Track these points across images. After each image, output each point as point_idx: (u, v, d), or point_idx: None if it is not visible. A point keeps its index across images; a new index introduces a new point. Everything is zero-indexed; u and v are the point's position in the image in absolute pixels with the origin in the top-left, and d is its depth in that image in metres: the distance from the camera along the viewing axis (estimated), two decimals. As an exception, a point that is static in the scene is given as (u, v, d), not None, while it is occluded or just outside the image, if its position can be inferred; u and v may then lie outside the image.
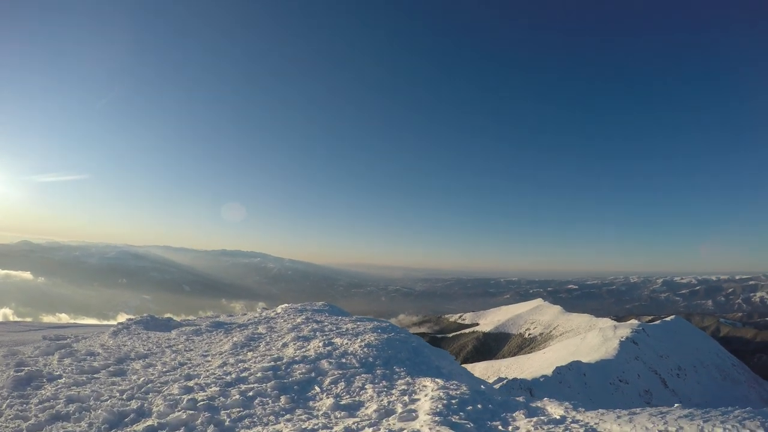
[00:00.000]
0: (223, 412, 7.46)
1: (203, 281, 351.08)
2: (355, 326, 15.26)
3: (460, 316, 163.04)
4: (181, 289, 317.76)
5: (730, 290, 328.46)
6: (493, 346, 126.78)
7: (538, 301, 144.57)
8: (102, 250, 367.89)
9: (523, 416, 7.26)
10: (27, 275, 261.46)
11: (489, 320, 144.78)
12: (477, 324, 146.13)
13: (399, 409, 7.52)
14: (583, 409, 7.77)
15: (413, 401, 7.89)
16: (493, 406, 7.83)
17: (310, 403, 8.09)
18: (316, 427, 6.77)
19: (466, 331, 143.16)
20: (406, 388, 8.80)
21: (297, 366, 10.03)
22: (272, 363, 10.15)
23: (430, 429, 6.37)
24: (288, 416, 7.36)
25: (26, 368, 9.71)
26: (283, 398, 8.06)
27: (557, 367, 52.16)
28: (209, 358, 11.40)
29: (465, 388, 8.38)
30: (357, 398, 8.22)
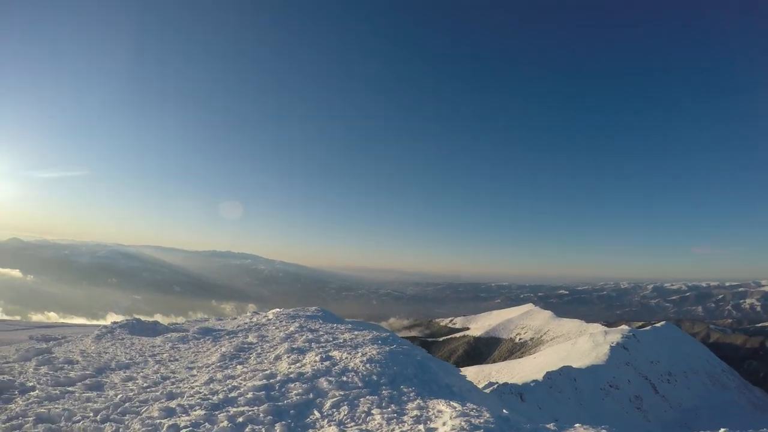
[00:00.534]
0: (208, 443, 6.44)
1: (194, 282, 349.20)
2: (353, 336, 14.23)
3: (451, 321, 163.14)
4: (172, 290, 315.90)
5: (720, 297, 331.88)
6: (483, 350, 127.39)
7: (529, 306, 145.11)
8: (92, 249, 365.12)
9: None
10: (16, 273, 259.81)
11: (480, 325, 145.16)
12: (468, 328, 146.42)
13: (414, 443, 6.50)
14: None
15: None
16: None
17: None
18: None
19: (457, 335, 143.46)
20: (419, 414, 7.70)
21: (292, 385, 8.88)
22: (264, 381, 9.01)
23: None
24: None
25: (1, 376, 8.82)
26: (278, 427, 6.95)
27: (548, 372, 52.34)
28: (195, 372, 10.32)
29: (488, 415, 7.36)
30: (363, 426, 7.11)
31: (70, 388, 8.58)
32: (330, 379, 9.20)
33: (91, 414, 7.24)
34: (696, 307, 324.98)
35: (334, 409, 7.87)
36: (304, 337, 14.09)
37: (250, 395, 8.19)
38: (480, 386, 38.24)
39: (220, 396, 8.13)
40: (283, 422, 7.15)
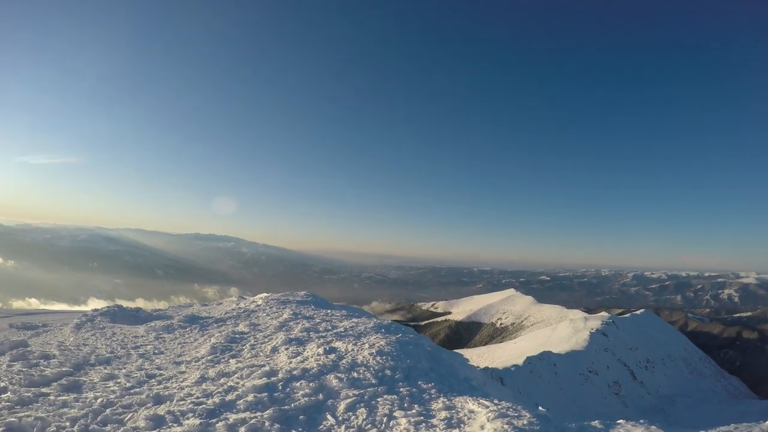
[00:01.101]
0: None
1: (176, 265, 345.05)
2: (353, 324, 13.10)
3: (432, 305, 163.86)
4: (154, 273, 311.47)
5: (699, 287, 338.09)
6: (464, 335, 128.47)
7: (510, 292, 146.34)
8: (73, 232, 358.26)
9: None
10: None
11: (461, 309, 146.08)
12: (449, 312, 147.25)
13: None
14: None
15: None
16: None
17: (326, 442, 5.91)
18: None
19: (439, 319, 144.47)
20: (448, 415, 6.61)
21: (298, 384, 7.72)
22: (265, 380, 7.82)
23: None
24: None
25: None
26: (288, 437, 5.79)
27: (528, 357, 52.51)
28: (183, 368, 9.17)
29: (528, 415, 6.35)
30: (389, 434, 6.00)
31: (44, 390, 7.41)
32: (339, 375, 8.08)
33: (68, 424, 6.11)
34: (675, 296, 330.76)
35: (350, 413, 6.75)
36: (300, 325, 12.96)
37: (250, 398, 7.02)
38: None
39: (216, 399, 6.96)
40: (294, 431, 6.08)
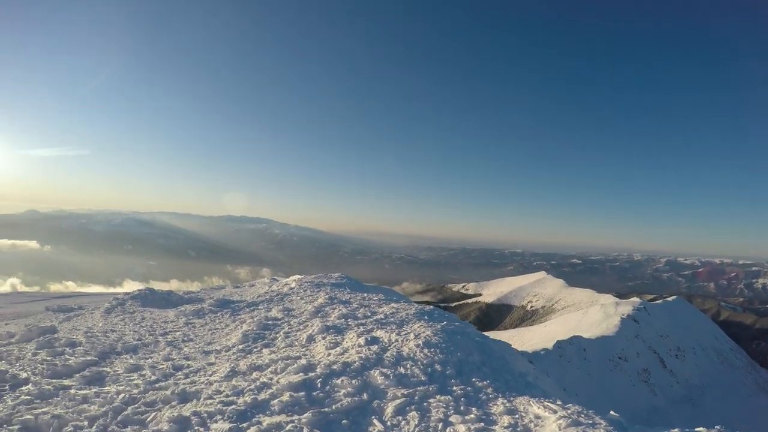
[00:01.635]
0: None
1: (208, 247, 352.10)
2: (393, 310, 12.20)
3: (463, 286, 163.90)
4: (187, 255, 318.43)
5: (733, 275, 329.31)
6: (495, 317, 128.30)
7: (541, 274, 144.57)
8: (108, 217, 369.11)
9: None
10: (33, 244, 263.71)
11: (492, 291, 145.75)
12: (480, 294, 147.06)
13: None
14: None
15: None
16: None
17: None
18: None
19: (469, 301, 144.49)
20: (512, 421, 5.62)
21: (338, 381, 6.79)
22: (302, 375, 6.95)
23: None
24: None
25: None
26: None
27: (558, 341, 51.75)
28: (212, 358, 8.48)
29: (605, 424, 5.34)
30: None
31: (66, 382, 6.80)
32: (384, 371, 7.12)
33: (86, 423, 5.43)
34: (708, 283, 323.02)
35: (400, 417, 5.81)
36: (336, 311, 12.15)
37: (286, 397, 6.17)
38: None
39: (247, 398, 6.14)
40: (336, 440, 5.18)
